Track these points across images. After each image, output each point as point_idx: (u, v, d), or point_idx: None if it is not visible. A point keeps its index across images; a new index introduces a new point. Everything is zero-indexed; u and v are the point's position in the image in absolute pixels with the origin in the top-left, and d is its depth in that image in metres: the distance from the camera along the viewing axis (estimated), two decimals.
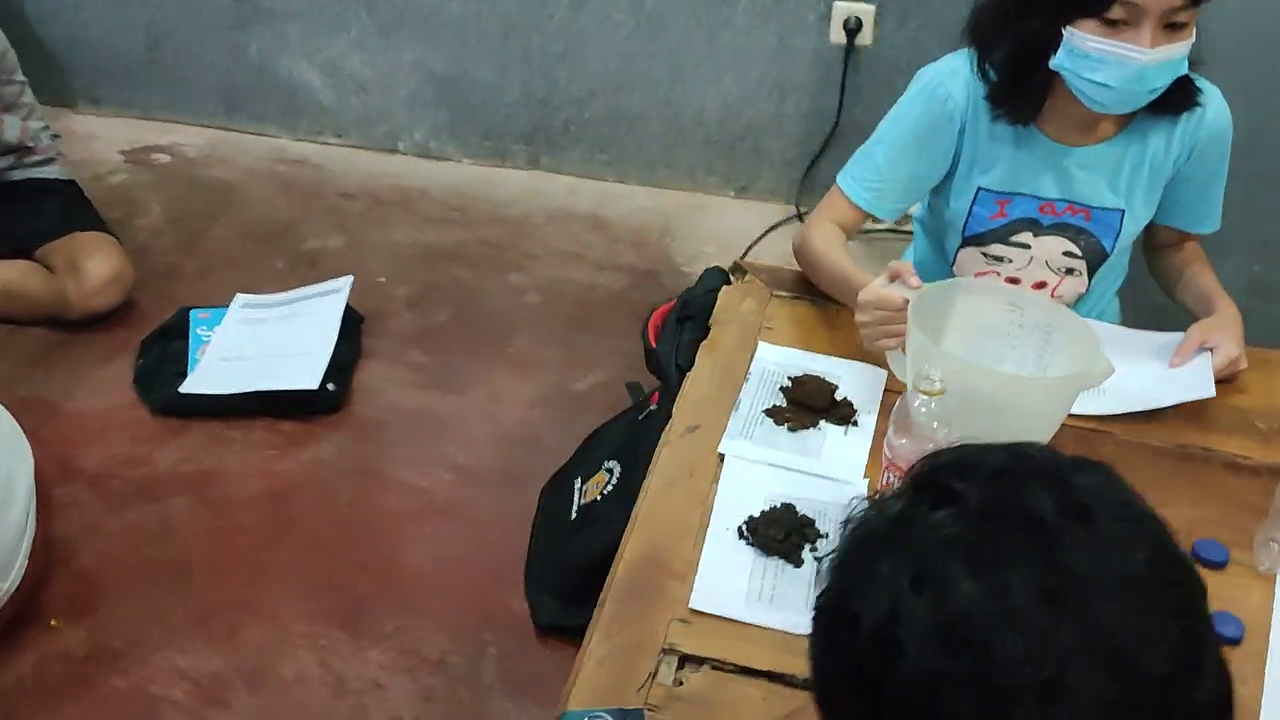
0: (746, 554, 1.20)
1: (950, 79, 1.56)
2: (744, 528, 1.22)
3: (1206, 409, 1.44)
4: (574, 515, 1.75)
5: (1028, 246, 1.61)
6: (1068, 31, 1.39)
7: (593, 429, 2.13)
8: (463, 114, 3.10)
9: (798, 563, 1.19)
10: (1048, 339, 1.37)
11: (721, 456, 1.33)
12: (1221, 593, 1.15)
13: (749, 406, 1.40)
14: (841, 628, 0.63)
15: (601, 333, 2.46)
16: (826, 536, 1.22)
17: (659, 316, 1.65)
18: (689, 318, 1.57)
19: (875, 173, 1.62)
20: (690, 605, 1.14)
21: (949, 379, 1.29)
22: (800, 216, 2.97)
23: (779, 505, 1.25)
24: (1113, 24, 1.35)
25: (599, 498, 1.72)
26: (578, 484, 1.80)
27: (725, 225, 2.92)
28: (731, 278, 1.68)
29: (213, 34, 3.12)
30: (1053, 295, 1.64)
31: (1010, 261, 1.63)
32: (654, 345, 1.57)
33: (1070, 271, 1.63)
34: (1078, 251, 1.60)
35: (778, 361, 1.49)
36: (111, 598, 1.74)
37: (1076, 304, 1.67)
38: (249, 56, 3.14)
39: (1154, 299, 1.82)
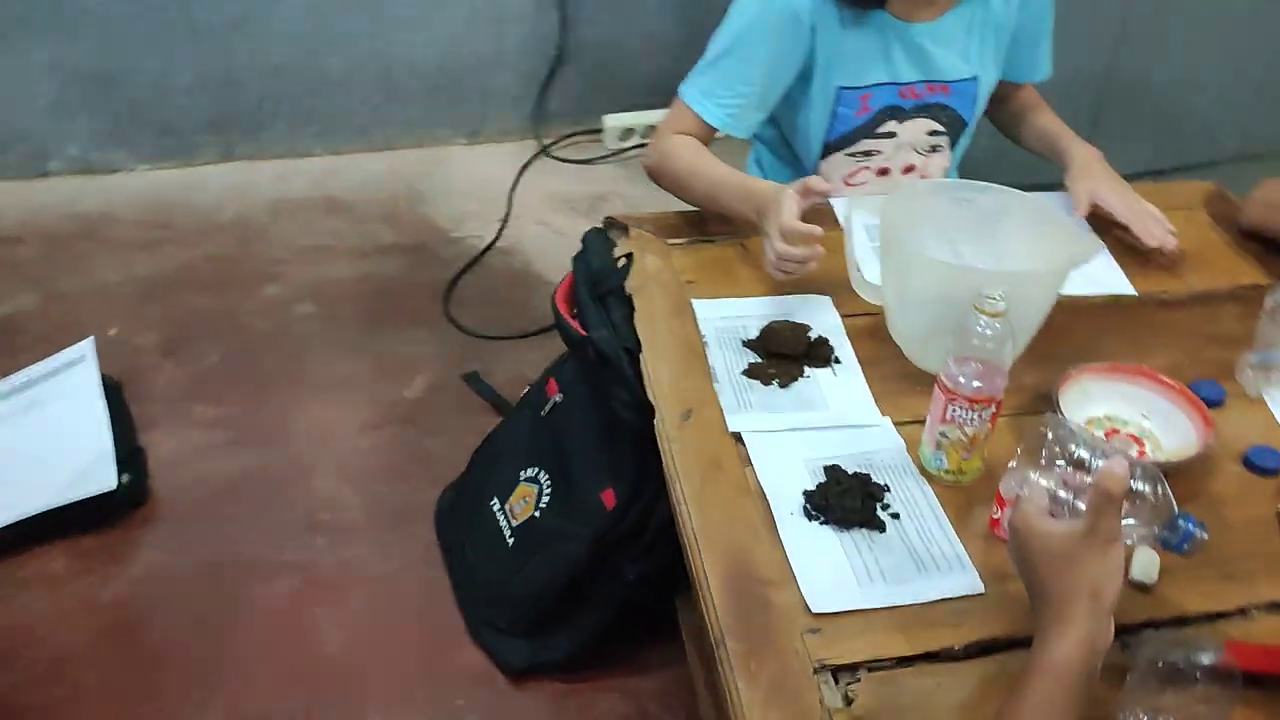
0: (828, 535, 1.08)
1: None
2: (809, 508, 1.11)
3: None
4: (511, 540, 1.54)
5: (894, 135, 1.58)
6: None
7: (445, 437, 1.91)
8: (127, 114, 2.60)
9: (881, 527, 1.09)
10: (982, 225, 1.33)
11: (736, 436, 1.19)
12: (1237, 429, 1.21)
13: (726, 373, 1.27)
14: None
15: (402, 327, 2.19)
16: (889, 488, 1.13)
17: (563, 299, 1.45)
18: (608, 293, 1.39)
19: (728, 89, 1.51)
20: (812, 610, 1.01)
21: (938, 286, 1.24)
22: (545, 150, 2.80)
23: (827, 471, 1.14)
24: None
25: (536, 514, 1.52)
26: (496, 505, 1.58)
27: (473, 176, 2.69)
28: (610, 235, 1.52)
29: None
30: (922, 175, 1.63)
31: (879, 154, 1.59)
32: (583, 333, 1.37)
33: (935, 149, 1.61)
34: (941, 128, 1.59)
35: (724, 315, 1.36)
36: None
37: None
38: None
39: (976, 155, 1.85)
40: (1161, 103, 2.42)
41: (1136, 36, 2.29)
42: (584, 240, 1.51)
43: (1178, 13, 2.31)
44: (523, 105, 2.80)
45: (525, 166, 2.72)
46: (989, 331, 1.06)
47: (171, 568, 1.66)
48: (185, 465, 1.83)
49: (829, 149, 1.59)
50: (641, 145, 2.83)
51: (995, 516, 1.09)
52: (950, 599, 1.03)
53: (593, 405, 1.47)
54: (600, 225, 1.54)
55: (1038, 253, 1.26)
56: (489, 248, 2.44)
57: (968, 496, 1.14)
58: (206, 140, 2.66)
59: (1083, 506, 0.92)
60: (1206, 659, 0.93)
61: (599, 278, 1.42)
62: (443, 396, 2.01)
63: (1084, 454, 0.93)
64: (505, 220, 2.53)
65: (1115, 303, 1.43)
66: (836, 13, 1.47)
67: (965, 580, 1.05)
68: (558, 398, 1.58)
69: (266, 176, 2.64)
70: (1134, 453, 1.18)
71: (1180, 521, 0.90)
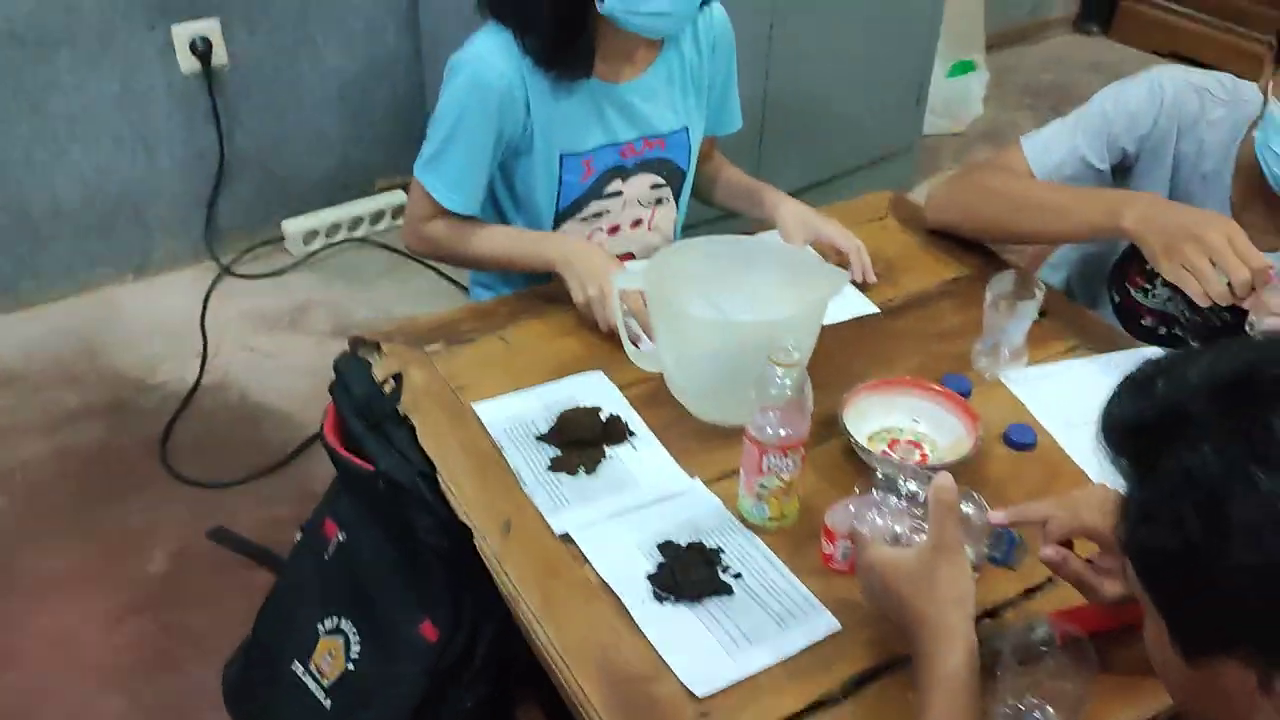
0: (684, 613, 1.09)
1: (491, 57, 1.49)
2: (659, 592, 1.10)
3: None
4: (327, 701, 1.41)
5: (620, 193, 1.63)
6: None
7: (209, 608, 1.75)
8: None
9: (729, 590, 1.11)
10: (735, 275, 1.39)
11: (564, 536, 1.17)
12: (990, 413, 1.34)
13: (531, 474, 1.24)
14: None
15: (121, 498, 1.96)
16: (723, 550, 1.15)
17: (333, 435, 1.36)
18: (383, 419, 1.32)
19: (458, 172, 1.54)
20: (696, 695, 1.01)
21: (714, 343, 1.29)
22: (227, 270, 2.62)
23: (662, 549, 1.15)
24: None
25: (350, 666, 1.40)
26: (298, 668, 1.45)
27: (154, 314, 2.47)
28: (362, 355, 1.44)
29: None
30: (650, 228, 1.68)
31: (608, 213, 1.63)
32: (368, 467, 1.29)
33: (660, 201, 1.67)
34: (662, 181, 1.66)
35: (508, 415, 1.33)
36: None
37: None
38: None
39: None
40: (812, 117, 2.64)
41: (783, 57, 2.47)
42: (337, 368, 1.42)
43: (815, 29, 2.53)
44: (191, 227, 2.61)
45: (209, 291, 2.53)
46: (787, 380, 1.11)
47: None
48: None
49: (560, 218, 1.61)
50: (329, 246, 2.72)
51: (827, 551, 1.14)
52: (815, 644, 1.07)
53: (387, 538, 1.39)
54: (348, 349, 1.46)
55: (793, 292, 1.33)
56: (195, 388, 2.24)
57: (793, 538, 1.18)
58: None
59: (918, 539, 0.99)
60: (1042, 633, 1.01)
61: (367, 405, 1.34)
62: (192, 563, 1.82)
63: (913, 487, 1.00)
64: (204, 354, 2.34)
65: (857, 322, 1.54)
66: (547, 84, 1.50)
67: (822, 622, 1.09)
68: (340, 537, 1.47)
69: None
70: (916, 457, 1.28)
71: (1002, 535, 0.99)
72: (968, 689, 0.91)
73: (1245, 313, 1.31)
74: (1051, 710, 0.98)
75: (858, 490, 1.05)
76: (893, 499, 1.01)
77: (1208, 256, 1.29)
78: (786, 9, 2.43)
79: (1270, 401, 0.64)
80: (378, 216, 2.80)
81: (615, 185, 1.61)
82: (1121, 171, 1.55)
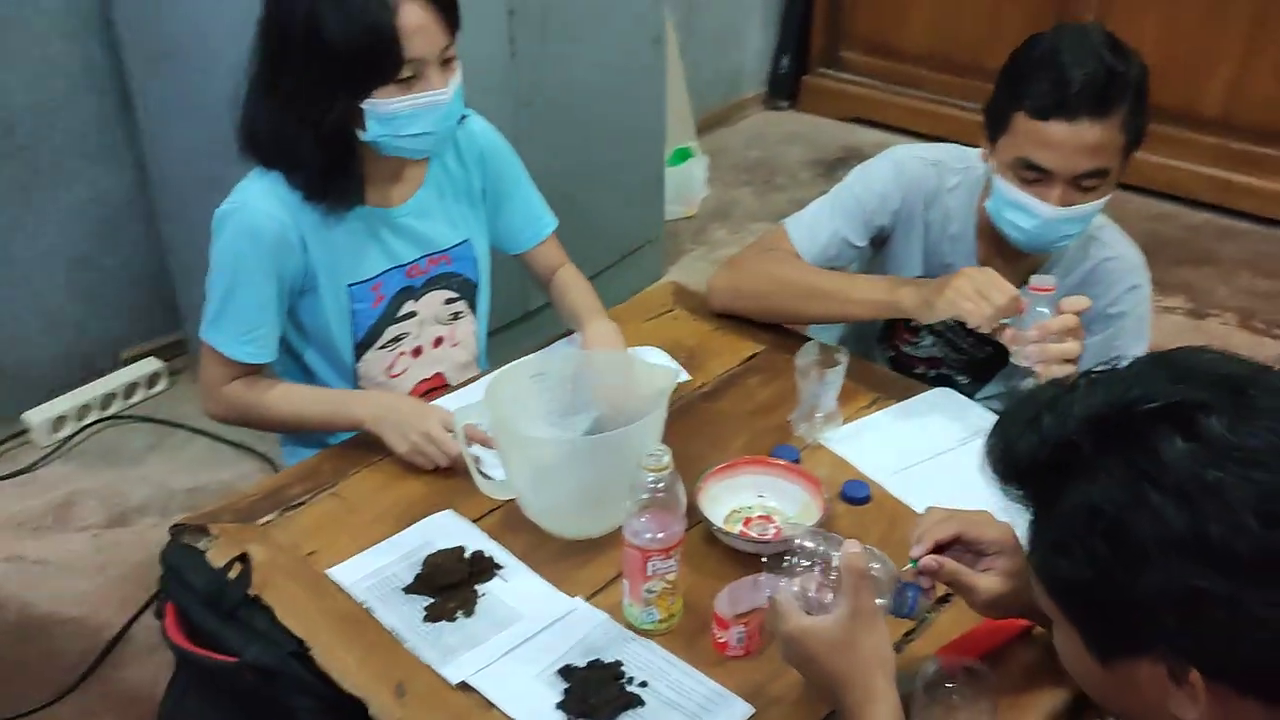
0: None
1: (259, 202, 1.49)
2: (572, 719, 1.10)
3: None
4: None
5: (414, 314, 1.64)
6: (369, 105, 1.43)
7: None
8: None
9: (641, 701, 1.12)
10: (567, 390, 1.43)
11: (462, 685, 1.14)
12: (822, 475, 1.43)
13: (409, 631, 1.21)
14: None
15: None
16: (623, 662, 1.16)
17: (179, 635, 1.25)
18: (237, 606, 1.24)
19: (247, 324, 1.51)
20: None
21: (565, 462, 1.31)
22: None
23: (564, 675, 1.14)
24: (407, 81, 1.43)
25: None
26: None
27: None
28: (188, 542, 1.35)
29: None
30: (453, 345, 1.69)
31: (407, 335, 1.64)
32: (231, 660, 1.20)
33: (457, 316, 1.69)
34: (455, 294, 1.67)
35: (367, 573, 1.29)
36: None
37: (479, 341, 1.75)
38: None
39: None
40: (565, 224, 2.71)
41: (532, 172, 2.55)
42: (165, 562, 1.32)
43: (557, 143, 2.61)
44: None
45: None
46: (661, 484, 1.14)
47: None
48: None
49: (361, 349, 1.60)
50: (82, 429, 2.51)
51: (721, 639, 1.18)
52: None
53: None
54: (170, 539, 1.36)
55: (630, 395, 1.37)
56: None
57: (684, 634, 1.21)
58: None
59: (829, 597, 1.04)
60: (938, 671, 1.09)
61: (216, 595, 1.25)
62: None
63: (821, 547, 1.05)
64: None
65: (679, 410, 1.58)
66: (319, 219, 1.50)
67: (736, 710, 1.12)
68: None
69: None
70: (771, 531, 1.35)
71: (905, 590, 1.06)
72: None
73: (1003, 347, 1.48)
74: None
75: (765, 569, 1.09)
76: (800, 562, 1.05)
77: (973, 288, 1.44)
78: (530, 125, 2.51)
79: (1149, 430, 0.74)
80: (131, 389, 2.61)
81: (408, 306, 1.62)
82: (879, 242, 1.71)
